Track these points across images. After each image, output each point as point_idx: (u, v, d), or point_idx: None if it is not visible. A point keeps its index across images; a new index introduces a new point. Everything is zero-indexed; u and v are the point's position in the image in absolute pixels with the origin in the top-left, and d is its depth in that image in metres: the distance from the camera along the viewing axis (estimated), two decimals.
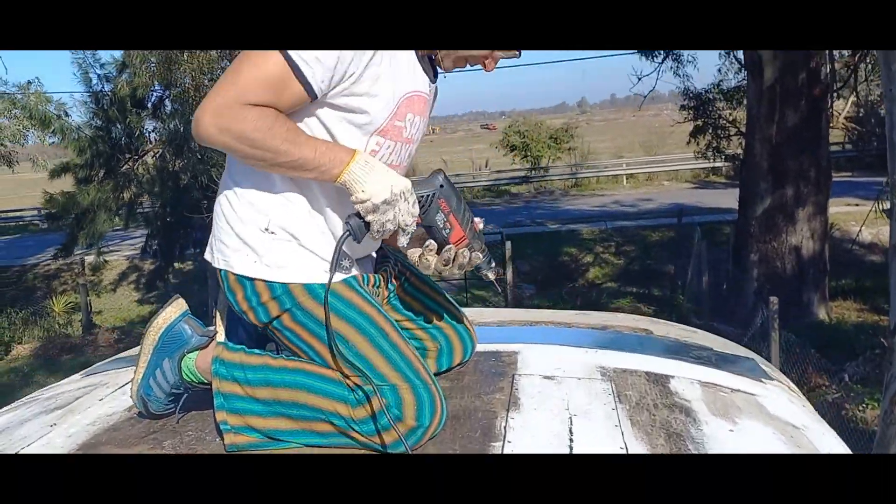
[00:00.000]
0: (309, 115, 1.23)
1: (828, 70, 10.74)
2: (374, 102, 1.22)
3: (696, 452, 1.22)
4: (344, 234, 1.25)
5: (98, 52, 10.44)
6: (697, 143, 13.41)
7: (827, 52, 10.63)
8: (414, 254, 1.33)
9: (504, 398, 1.41)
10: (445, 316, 1.53)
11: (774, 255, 9.91)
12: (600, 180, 24.18)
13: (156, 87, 10.49)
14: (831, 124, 11.80)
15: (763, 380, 1.68)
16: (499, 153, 26.45)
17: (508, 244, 11.86)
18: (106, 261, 12.73)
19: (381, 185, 1.19)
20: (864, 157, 17.56)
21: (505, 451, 1.20)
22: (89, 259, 13.12)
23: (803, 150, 9.60)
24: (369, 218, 1.21)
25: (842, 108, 15.30)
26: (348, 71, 1.18)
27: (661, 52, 12.26)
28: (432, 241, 1.32)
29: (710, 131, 12.93)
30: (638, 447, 1.21)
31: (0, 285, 16.43)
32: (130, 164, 10.93)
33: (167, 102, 10.97)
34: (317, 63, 1.15)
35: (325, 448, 1.27)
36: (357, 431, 1.22)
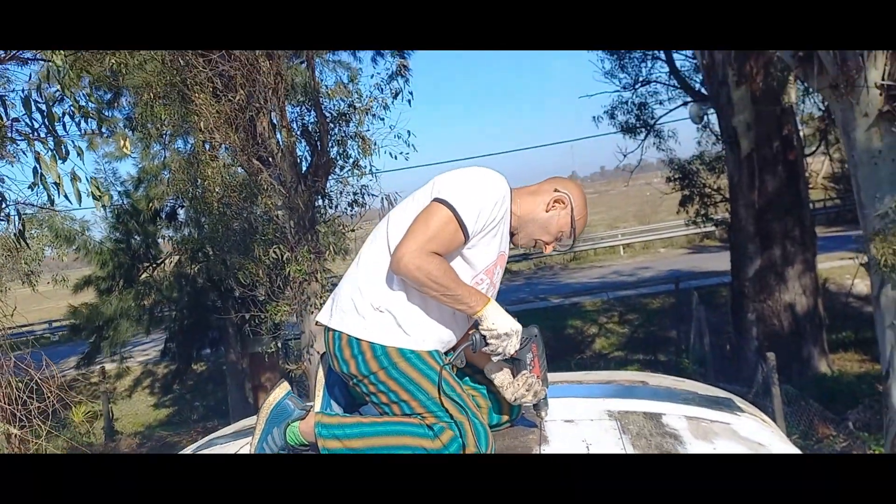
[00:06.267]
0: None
1: (800, 135, 11.41)
2: (489, 252, 1.81)
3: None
4: (469, 342, 1.78)
5: (118, 169, 11.11)
6: (686, 212, 14.02)
7: (797, 118, 11.32)
8: (504, 378, 1.89)
9: (536, 437, 1.85)
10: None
11: (770, 313, 10.32)
12: (598, 252, 24.76)
13: (170, 199, 11.12)
14: (811, 185, 12.42)
15: (737, 413, 2.11)
16: None
17: None
18: (128, 367, 13.09)
19: (507, 323, 1.73)
20: (848, 212, 18.20)
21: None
22: (109, 367, 13.50)
23: (786, 212, 10.16)
24: (491, 340, 1.74)
25: (819, 168, 16.01)
26: (485, 227, 1.77)
27: (643, 130, 13.00)
28: (526, 372, 1.86)
29: (697, 199, 13.55)
30: None
31: None
32: (150, 272, 11.47)
33: (180, 212, 11.62)
34: (474, 223, 1.73)
35: None
36: None
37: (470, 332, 1.82)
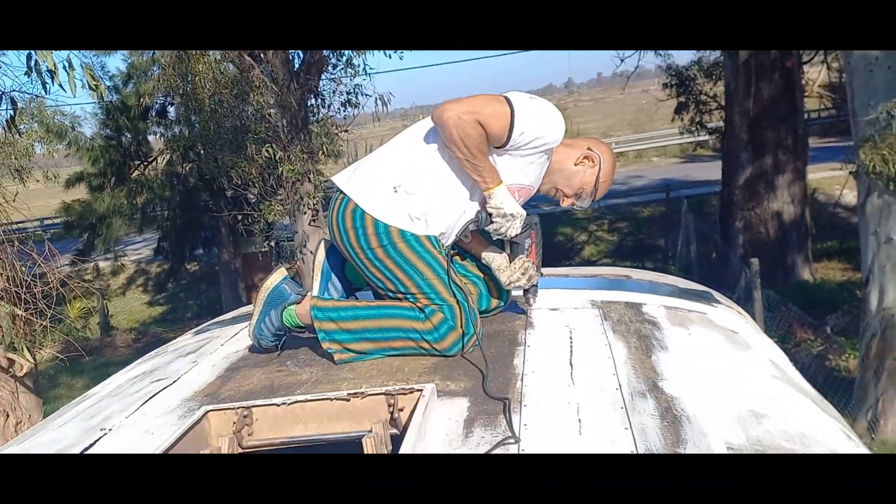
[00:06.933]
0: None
1: None
2: (518, 171, 1.86)
3: (659, 347, 1.75)
4: (476, 217, 1.88)
5: (106, 64, 10.90)
6: (682, 119, 13.94)
7: None
8: (501, 261, 1.97)
9: (522, 323, 1.95)
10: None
11: (758, 221, 10.46)
12: None
13: (160, 95, 10.96)
14: (806, 93, 12.34)
15: (714, 304, 2.22)
16: None
17: None
18: (122, 265, 13.23)
19: (514, 205, 1.84)
20: (842, 122, 18.14)
21: (526, 355, 1.73)
22: (103, 264, 13.63)
23: (780, 120, 10.14)
24: (496, 218, 1.83)
25: (816, 77, 15.85)
26: (521, 147, 1.82)
27: None
28: (523, 257, 1.96)
29: (693, 107, 13.47)
30: (617, 342, 1.74)
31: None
32: (141, 170, 11.43)
33: (171, 109, 11.48)
34: (518, 135, 1.78)
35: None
36: (426, 341, 1.76)
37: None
